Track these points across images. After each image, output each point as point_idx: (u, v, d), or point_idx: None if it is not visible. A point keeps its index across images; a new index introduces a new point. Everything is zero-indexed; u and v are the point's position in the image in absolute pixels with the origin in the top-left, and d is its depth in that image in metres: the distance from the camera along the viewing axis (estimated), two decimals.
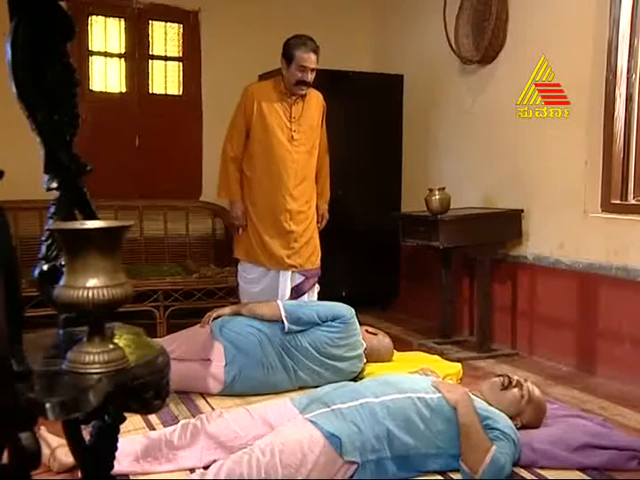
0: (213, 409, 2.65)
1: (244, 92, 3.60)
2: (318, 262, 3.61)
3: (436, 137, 4.49)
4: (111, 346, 0.98)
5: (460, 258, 4.02)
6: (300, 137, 3.52)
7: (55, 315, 1.21)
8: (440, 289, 4.08)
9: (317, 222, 3.65)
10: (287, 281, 3.50)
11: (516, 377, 2.39)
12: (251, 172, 3.52)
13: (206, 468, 2.03)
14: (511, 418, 2.23)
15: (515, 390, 2.31)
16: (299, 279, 3.55)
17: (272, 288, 3.50)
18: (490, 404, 2.25)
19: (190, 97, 4.75)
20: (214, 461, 2.03)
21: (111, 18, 4.53)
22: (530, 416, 2.33)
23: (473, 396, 2.23)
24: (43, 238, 1.20)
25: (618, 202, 3.34)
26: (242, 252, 3.58)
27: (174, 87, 4.78)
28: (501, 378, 2.36)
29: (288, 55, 3.48)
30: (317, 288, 3.66)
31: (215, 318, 3.06)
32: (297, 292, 3.53)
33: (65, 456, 2.04)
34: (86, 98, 4.34)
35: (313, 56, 3.47)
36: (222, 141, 4.70)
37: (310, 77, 3.49)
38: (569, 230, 3.48)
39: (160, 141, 4.65)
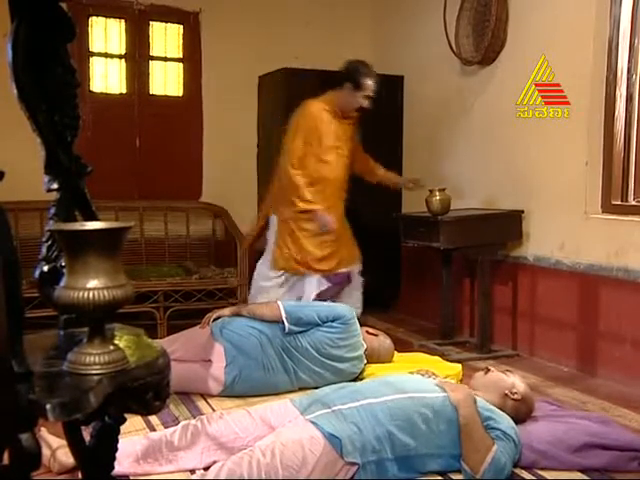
0: (213, 410, 2.65)
1: (305, 112, 3.66)
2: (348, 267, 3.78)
3: (436, 138, 4.49)
4: (111, 347, 0.98)
5: (461, 259, 4.02)
6: (343, 152, 3.74)
7: (56, 316, 1.21)
8: (441, 290, 4.08)
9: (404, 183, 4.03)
10: (313, 285, 3.66)
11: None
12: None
13: (206, 469, 2.03)
14: (505, 396, 2.30)
15: (496, 372, 2.43)
16: (324, 285, 3.68)
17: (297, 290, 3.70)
18: (483, 396, 2.27)
19: (190, 98, 4.75)
20: (214, 462, 2.03)
21: (111, 19, 4.53)
22: (524, 389, 2.37)
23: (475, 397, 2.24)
24: (44, 239, 1.20)
25: (619, 203, 3.34)
26: (283, 264, 3.70)
27: (174, 88, 4.78)
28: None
29: (356, 81, 3.61)
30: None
31: (215, 319, 3.06)
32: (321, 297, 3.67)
33: (65, 457, 2.04)
34: (86, 99, 4.34)
35: (376, 85, 3.66)
36: (222, 143, 4.75)
37: (369, 104, 3.69)
38: (569, 231, 3.48)
39: (160, 142, 4.65)
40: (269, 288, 3.73)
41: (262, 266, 3.82)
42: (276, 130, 4.57)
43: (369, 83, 3.61)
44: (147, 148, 4.62)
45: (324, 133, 3.64)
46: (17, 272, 0.87)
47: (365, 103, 3.65)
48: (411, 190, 4.15)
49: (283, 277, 3.73)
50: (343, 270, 3.76)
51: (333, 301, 3.58)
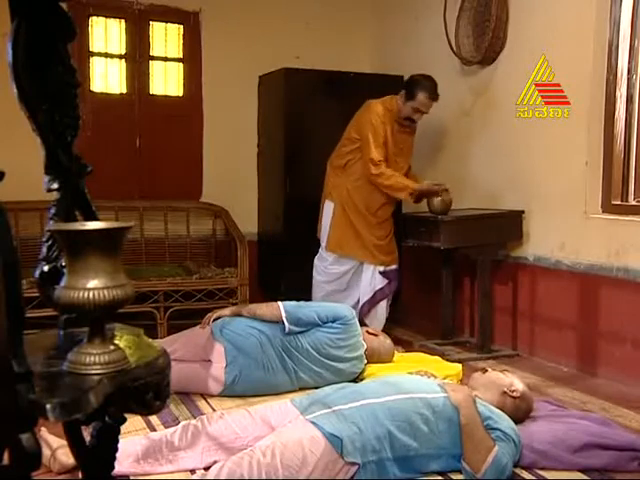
0: (214, 410, 2.65)
1: (372, 110, 3.77)
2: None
3: (436, 138, 4.48)
4: (112, 347, 0.98)
5: (461, 259, 4.02)
6: (399, 161, 3.85)
7: (56, 316, 1.21)
8: (441, 290, 4.08)
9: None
10: (369, 276, 3.84)
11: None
12: (351, 185, 3.82)
13: (207, 469, 2.03)
14: (504, 394, 2.31)
15: (494, 371, 2.46)
16: (381, 283, 3.83)
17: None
18: (482, 396, 2.28)
19: (191, 98, 4.75)
20: (215, 462, 2.03)
21: (112, 19, 4.53)
22: (523, 387, 2.38)
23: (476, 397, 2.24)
24: (44, 239, 1.20)
25: (619, 203, 3.34)
26: (335, 244, 3.87)
27: (175, 88, 4.78)
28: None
29: (411, 91, 3.69)
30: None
31: (215, 319, 3.06)
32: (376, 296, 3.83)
33: (66, 457, 2.04)
34: (87, 99, 4.34)
35: (432, 104, 3.72)
36: (222, 143, 4.75)
37: (419, 118, 3.78)
38: (570, 231, 3.48)
39: (161, 142, 4.65)
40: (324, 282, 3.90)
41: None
42: (276, 130, 4.58)
43: (421, 98, 3.67)
44: (147, 148, 4.62)
45: (385, 133, 3.77)
46: (17, 272, 0.87)
47: (412, 115, 3.74)
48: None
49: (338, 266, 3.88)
50: (395, 266, 3.92)
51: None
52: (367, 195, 3.82)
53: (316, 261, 3.97)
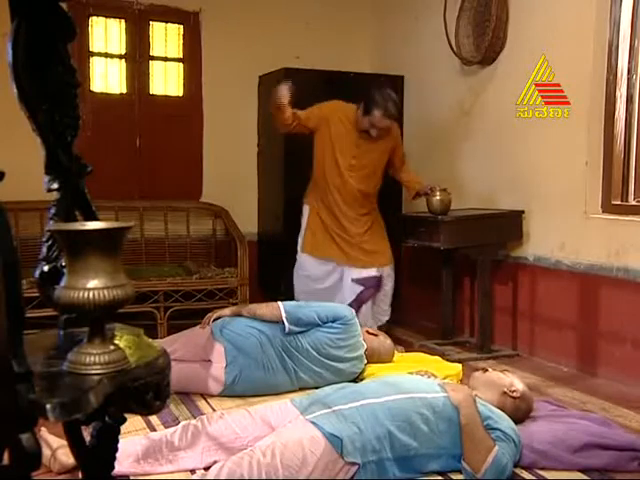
0: (214, 410, 2.65)
1: (329, 105, 3.80)
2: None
3: (436, 138, 4.48)
4: (112, 347, 0.98)
5: (461, 259, 4.02)
6: (358, 164, 3.80)
7: (56, 316, 1.21)
8: (441, 290, 4.08)
9: (427, 193, 3.79)
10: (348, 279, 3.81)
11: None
12: (316, 175, 3.87)
13: (207, 469, 2.03)
14: (505, 394, 2.31)
15: (495, 371, 2.46)
16: (358, 288, 3.78)
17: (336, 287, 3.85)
18: (482, 396, 2.28)
19: (191, 98, 4.75)
20: (215, 462, 2.03)
21: (112, 19, 4.53)
22: (523, 387, 2.38)
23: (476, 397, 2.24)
24: (44, 239, 1.20)
25: (619, 203, 3.34)
26: (309, 247, 3.87)
27: (175, 88, 4.78)
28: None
29: (367, 107, 3.66)
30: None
31: (216, 319, 3.06)
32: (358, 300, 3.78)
33: (66, 457, 2.04)
34: (87, 99, 4.34)
35: (387, 120, 3.68)
36: (222, 143, 4.75)
37: (375, 133, 3.72)
38: (570, 231, 3.48)
39: (161, 142, 4.64)
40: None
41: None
42: (276, 130, 4.58)
43: (375, 114, 3.62)
44: (147, 148, 4.62)
45: (335, 131, 3.77)
46: (17, 272, 0.87)
47: (368, 129, 3.69)
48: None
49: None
50: (373, 273, 3.81)
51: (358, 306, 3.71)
52: (340, 186, 3.78)
53: (295, 273, 3.96)
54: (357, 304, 3.72)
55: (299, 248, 3.93)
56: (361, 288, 3.78)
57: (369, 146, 3.79)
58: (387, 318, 3.99)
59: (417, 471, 2.11)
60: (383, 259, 3.88)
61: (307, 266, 3.89)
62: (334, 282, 3.86)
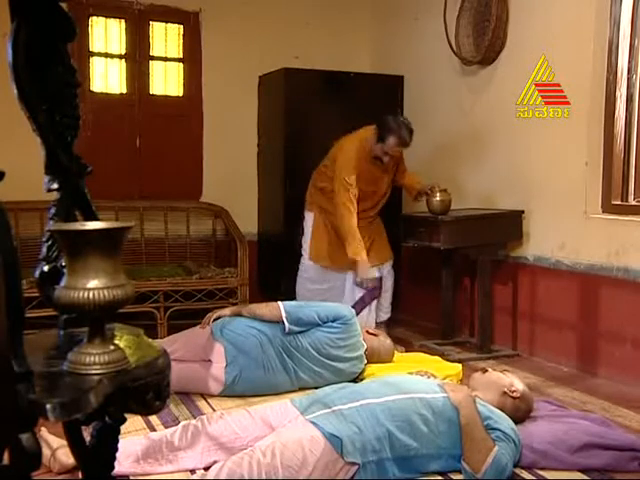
0: (214, 410, 2.65)
1: (350, 164, 3.73)
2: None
3: (436, 138, 4.48)
4: (111, 347, 0.98)
5: (461, 259, 4.02)
6: (378, 190, 3.88)
7: (56, 316, 1.21)
8: (441, 290, 4.08)
9: (427, 193, 3.79)
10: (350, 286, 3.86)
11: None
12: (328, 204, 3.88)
13: (207, 469, 2.03)
14: (505, 394, 2.31)
15: (495, 371, 2.46)
16: (360, 292, 3.82)
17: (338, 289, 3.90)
18: (483, 396, 2.28)
19: (191, 98, 4.75)
20: (215, 462, 2.03)
21: (112, 19, 4.53)
22: (523, 387, 2.39)
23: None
24: (44, 239, 1.20)
25: (619, 203, 3.34)
26: (315, 256, 3.92)
27: (175, 88, 4.78)
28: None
29: (382, 134, 3.65)
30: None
31: (216, 319, 3.06)
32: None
33: (66, 457, 2.04)
34: (87, 99, 4.34)
35: (401, 149, 3.71)
36: (222, 143, 4.75)
37: (387, 160, 3.73)
38: (570, 231, 3.48)
39: (161, 142, 4.64)
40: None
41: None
42: (276, 130, 4.58)
43: (391, 143, 3.64)
44: (147, 148, 4.62)
45: (359, 171, 3.76)
46: (17, 272, 0.87)
47: (381, 156, 3.71)
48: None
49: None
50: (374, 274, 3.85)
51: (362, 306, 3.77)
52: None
53: (299, 276, 4.00)
54: (359, 307, 3.76)
55: (305, 254, 3.98)
56: (363, 292, 3.82)
57: (382, 173, 3.87)
58: (388, 316, 4.02)
59: (417, 471, 2.11)
60: (383, 255, 3.95)
61: (312, 272, 3.96)
62: (338, 286, 3.92)
